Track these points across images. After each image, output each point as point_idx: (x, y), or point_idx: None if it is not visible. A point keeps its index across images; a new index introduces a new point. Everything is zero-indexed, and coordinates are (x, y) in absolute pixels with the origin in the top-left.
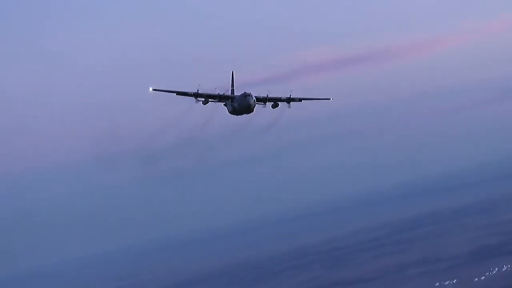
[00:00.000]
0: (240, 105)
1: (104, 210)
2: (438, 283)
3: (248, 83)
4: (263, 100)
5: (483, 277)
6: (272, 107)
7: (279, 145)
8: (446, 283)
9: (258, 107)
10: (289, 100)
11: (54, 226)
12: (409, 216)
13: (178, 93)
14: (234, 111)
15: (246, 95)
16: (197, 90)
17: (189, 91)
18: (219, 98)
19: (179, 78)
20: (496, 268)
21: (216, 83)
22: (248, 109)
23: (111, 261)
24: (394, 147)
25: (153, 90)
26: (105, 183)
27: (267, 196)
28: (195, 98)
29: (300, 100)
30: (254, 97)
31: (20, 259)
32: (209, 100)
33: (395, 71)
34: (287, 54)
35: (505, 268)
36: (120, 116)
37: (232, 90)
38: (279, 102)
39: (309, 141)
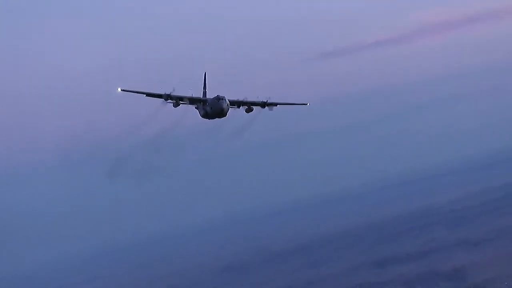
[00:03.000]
0: (212, 109)
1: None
2: None
3: (372, 43)
4: (237, 104)
5: None
6: (246, 111)
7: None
8: None
9: (231, 111)
10: (264, 104)
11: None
12: None
13: (148, 94)
14: (206, 115)
15: (219, 99)
16: (167, 92)
17: (159, 92)
18: (191, 100)
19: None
20: None
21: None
22: (221, 113)
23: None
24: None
25: (122, 90)
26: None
27: (389, 158)
28: (166, 100)
29: (275, 104)
30: (227, 100)
31: None
32: (180, 102)
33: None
34: (407, 15)
35: None
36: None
37: (204, 93)
38: (253, 107)
39: (422, 102)
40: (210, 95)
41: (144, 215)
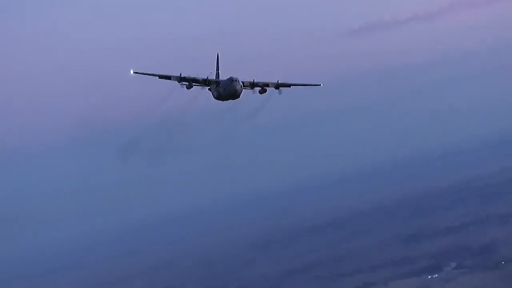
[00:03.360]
0: (226, 90)
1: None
2: None
3: (396, 21)
4: (250, 85)
5: None
6: (259, 92)
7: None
8: None
9: (245, 92)
10: (277, 85)
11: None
12: None
13: (161, 76)
14: (220, 97)
15: (232, 80)
16: (180, 74)
17: (172, 74)
18: (204, 82)
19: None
20: None
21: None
22: (234, 95)
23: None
24: None
25: (134, 73)
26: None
27: (423, 133)
28: (179, 82)
29: (289, 85)
30: (240, 82)
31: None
32: (193, 84)
33: None
34: None
35: None
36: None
37: (217, 74)
38: (267, 88)
39: (453, 76)
40: (223, 76)
41: (166, 194)
